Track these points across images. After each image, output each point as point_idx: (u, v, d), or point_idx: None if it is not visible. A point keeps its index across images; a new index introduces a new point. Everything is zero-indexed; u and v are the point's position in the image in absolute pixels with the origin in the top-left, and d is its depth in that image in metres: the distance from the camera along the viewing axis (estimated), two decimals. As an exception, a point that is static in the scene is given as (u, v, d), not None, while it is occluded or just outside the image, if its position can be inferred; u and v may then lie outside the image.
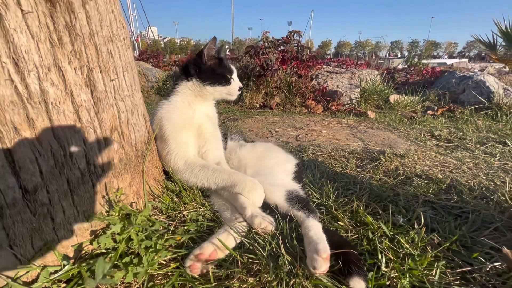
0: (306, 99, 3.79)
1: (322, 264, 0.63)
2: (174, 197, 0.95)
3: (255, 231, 0.80)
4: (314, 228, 0.75)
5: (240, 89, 1.19)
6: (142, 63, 5.30)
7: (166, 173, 1.04)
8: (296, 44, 4.28)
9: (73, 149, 0.60)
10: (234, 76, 1.15)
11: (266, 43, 4.13)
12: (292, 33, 4.33)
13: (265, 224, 0.78)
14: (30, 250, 0.57)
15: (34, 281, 0.57)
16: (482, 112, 3.31)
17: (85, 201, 0.65)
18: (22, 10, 0.50)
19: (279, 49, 4.18)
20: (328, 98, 3.76)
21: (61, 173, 0.59)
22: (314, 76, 4.16)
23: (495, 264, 0.75)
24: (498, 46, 7.92)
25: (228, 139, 1.24)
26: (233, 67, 1.15)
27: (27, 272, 0.57)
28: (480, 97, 3.50)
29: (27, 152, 0.53)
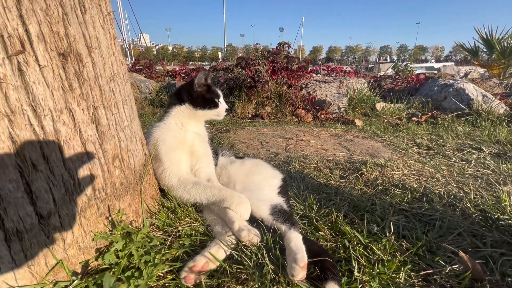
0: (296, 108, 3.92)
1: (299, 272, 0.73)
2: (169, 214, 1.03)
3: (243, 243, 0.90)
4: (295, 239, 0.85)
5: (226, 110, 1.31)
6: (136, 75, 5.38)
7: (161, 190, 1.13)
8: (285, 55, 4.43)
9: (81, 178, 0.69)
10: (221, 99, 1.27)
11: (256, 55, 4.27)
12: (282, 45, 4.49)
13: (251, 236, 0.88)
14: (44, 268, 0.65)
15: (48, 295, 0.65)
16: (463, 118, 3.48)
17: (91, 223, 0.73)
18: (39, 65, 0.59)
19: (269, 59, 4.33)
20: (317, 107, 3.90)
21: (71, 200, 0.68)
22: (303, 86, 4.30)
23: (454, 266, 0.85)
24: (480, 52, 8.29)
25: (219, 155, 1.33)
26: (219, 92, 1.27)
27: (42, 287, 0.65)
28: (460, 104, 3.68)
29: (43, 183, 0.62)
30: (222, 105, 1.28)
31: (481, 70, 9.13)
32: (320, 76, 5.24)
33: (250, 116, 3.86)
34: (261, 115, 3.82)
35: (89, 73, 0.69)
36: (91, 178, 0.72)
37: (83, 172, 0.70)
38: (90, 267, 0.74)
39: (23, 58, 0.57)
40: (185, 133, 1.19)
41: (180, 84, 4.72)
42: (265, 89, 3.78)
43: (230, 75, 4.38)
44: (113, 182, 0.79)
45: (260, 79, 3.75)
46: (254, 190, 1.08)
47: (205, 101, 1.19)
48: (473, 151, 2.18)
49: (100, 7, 0.74)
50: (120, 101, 0.81)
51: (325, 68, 6.94)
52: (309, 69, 5.09)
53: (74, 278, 0.69)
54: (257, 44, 4.42)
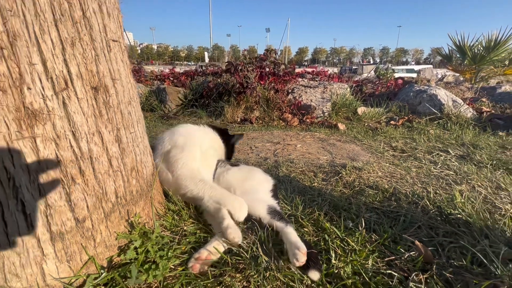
0: (283, 113, 4.12)
1: (302, 257, 0.90)
2: (175, 216, 1.19)
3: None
4: (293, 233, 1.03)
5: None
6: (124, 78, 5.40)
7: (165, 195, 1.27)
8: (272, 61, 4.63)
9: (108, 187, 0.83)
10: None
11: (245, 61, 4.44)
12: (269, 51, 4.68)
13: (234, 235, 1.01)
14: (79, 263, 0.79)
15: (82, 285, 0.79)
16: (435, 122, 3.79)
17: (114, 225, 0.88)
18: (78, 98, 0.73)
19: (257, 65, 4.51)
20: (303, 112, 4.12)
21: (100, 206, 0.82)
22: (290, 91, 4.51)
23: (411, 253, 1.06)
24: (454, 58, 8.86)
25: (217, 167, 1.49)
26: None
27: (77, 279, 0.79)
28: (433, 109, 4.01)
29: (79, 194, 0.76)
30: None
31: (456, 74, 9.74)
32: (306, 80, 5.48)
33: (239, 120, 4.02)
34: (250, 119, 3.99)
35: (113, 101, 0.83)
36: (115, 188, 0.86)
37: (109, 182, 0.84)
38: (113, 262, 0.89)
39: (66, 94, 0.71)
40: (209, 142, 1.43)
41: (170, 89, 4.81)
42: (253, 94, 3.95)
43: (219, 80, 4.53)
44: (131, 190, 0.93)
45: (249, 85, 3.93)
46: (251, 193, 1.24)
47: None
48: (441, 153, 2.45)
49: (120, 44, 0.89)
50: (135, 121, 0.96)
51: (310, 72, 7.20)
52: (295, 73, 5.31)
53: (102, 271, 0.83)
54: (245, 50, 4.60)
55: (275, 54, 4.66)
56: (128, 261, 0.90)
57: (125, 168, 0.90)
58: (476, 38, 7.61)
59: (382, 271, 0.99)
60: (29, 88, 0.64)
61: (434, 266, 0.98)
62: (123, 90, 0.89)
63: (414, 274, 0.95)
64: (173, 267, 0.95)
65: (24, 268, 0.69)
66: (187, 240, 1.05)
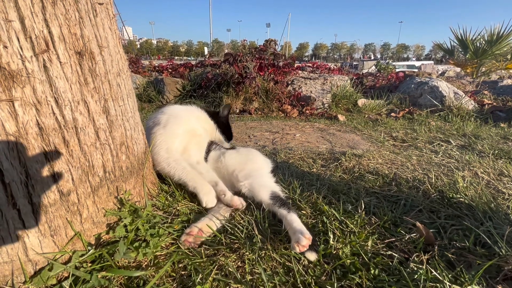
0: (282, 104, 4.07)
1: (304, 240, 0.86)
2: (168, 197, 1.15)
3: (237, 219, 1.03)
4: (296, 220, 0.98)
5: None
6: (122, 69, 5.33)
7: (160, 177, 1.23)
8: (272, 52, 4.56)
9: (95, 161, 0.79)
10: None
11: (244, 51, 4.37)
12: (269, 42, 4.61)
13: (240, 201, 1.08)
14: (65, 239, 0.75)
15: (68, 261, 0.76)
16: (436, 114, 3.75)
17: (102, 201, 0.84)
18: (60, 62, 0.69)
19: (257, 56, 4.44)
20: (302, 103, 4.07)
21: (86, 180, 0.78)
22: (289, 82, 4.46)
23: (412, 235, 1.02)
24: (455, 52, 8.76)
25: (210, 149, 1.44)
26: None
27: (62, 255, 0.75)
28: (434, 101, 3.96)
29: (63, 165, 0.72)
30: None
31: (457, 69, 9.67)
32: (306, 73, 5.42)
33: (238, 111, 3.97)
34: (248, 110, 3.94)
35: (100, 69, 0.79)
36: (103, 162, 0.82)
37: (96, 155, 0.80)
38: (102, 239, 0.85)
39: (47, 56, 0.66)
40: (196, 121, 1.37)
41: (167, 79, 4.75)
42: (252, 85, 3.90)
43: (218, 70, 4.47)
44: (120, 166, 0.89)
45: (248, 75, 3.87)
46: (256, 177, 1.20)
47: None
48: (442, 143, 2.41)
49: (108, 10, 0.84)
50: (125, 94, 0.91)
51: (310, 65, 7.13)
52: (295, 66, 5.25)
53: (89, 248, 0.80)
54: (244, 40, 4.52)
55: (275, 45, 4.59)
56: (118, 239, 0.86)
57: (113, 142, 0.86)
58: (478, 32, 7.53)
59: (382, 252, 0.95)
60: (5, 47, 0.60)
61: (436, 248, 0.95)
62: (111, 59, 0.84)
63: (415, 255, 0.92)
64: (164, 245, 0.91)
65: (4, 240, 0.65)
66: (180, 219, 1.01)
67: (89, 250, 0.79)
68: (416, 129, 2.92)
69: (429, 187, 1.38)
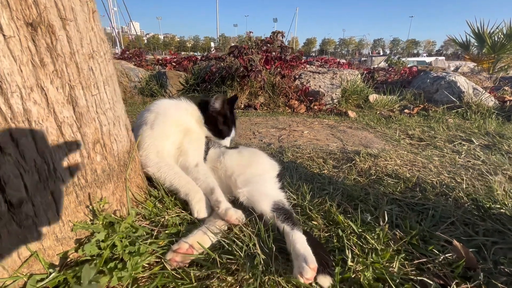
0: (289, 99, 3.87)
1: (309, 273, 0.69)
2: (157, 203, 0.99)
3: (235, 233, 0.86)
4: (300, 240, 0.80)
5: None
6: (124, 63, 5.20)
7: (149, 179, 1.07)
8: (279, 44, 4.35)
9: (57, 163, 0.63)
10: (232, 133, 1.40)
11: (249, 43, 4.17)
12: (276, 34, 4.39)
13: (237, 215, 0.91)
14: (17, 260, 0.60)
15: (22, 288, 0.61)
16: (453, 111, 3.51)
17: (69, 212, 0.68)
18: (4, 36, 0.53)
19: (263, 49, 4.24)
20: (310, 98, 3.86)
21: (46, 187, 0.62)
22: (297, 76, 4.25)
23: (447, 255, 0.84)
24: (471, 46, 8.34)
25: (209, 148, 1.28)
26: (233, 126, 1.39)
27: (14, 281, 0.60)
28: (451, 97, 3.71)
29: (12, 168, 0.56)
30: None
31: (471, 65, 9.25)
32: (314, 67, 5.19)
33: (242, 106, 3.79)
34: (254, 105, 3.76)
35: (63, 48, 0.62)
36: (69, 164, 0.66)
37: (59, 157, 0.64)
38: (69, 259, 0.70)
39: (-16, 26, 0.50)
40: (189, 118, 1.22)
41: (170, 73, 4.59)
42: (258, 78, 3.71)
43: (222, 64, 4.29)
44: (94, 168, 0.73)
45: (253, 68, 3.68)
46: (257, 184, 1.03)
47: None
48: (463, 142, 2.20)
49: (75, -26, 0.67)
50: (101, 81, 0.75)
51: (318, 59, 6.88)
52: (302, 60, 5.03)
53: (51, 270, 0.64)
54: (250, 32, 4.32)
55: (282, 37, 4.37)
56: (89, 258, 0.70)
57: (84, 139, 0.70)
58: (496, 25, 7.14)
59: (412, 276, 0.78)
60: None
61: (480, 273, 0.77)
62: (80, 37, 0.67)
63: (454, 283, 0.74)
64: (147, 265, 0.76)
65: None
66: (167, 232, 0.85)
67: (50, 273, 0.64)
68: (434, 127, 2.71)
69: (461, 194, 1.19)
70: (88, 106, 0.70)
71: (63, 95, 0.63)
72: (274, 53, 4.21)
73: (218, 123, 1.29)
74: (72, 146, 0.66)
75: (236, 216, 0.90)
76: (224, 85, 3.96)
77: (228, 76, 3.99)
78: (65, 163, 0.65)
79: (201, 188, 1.00)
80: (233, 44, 4.79)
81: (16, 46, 0.54)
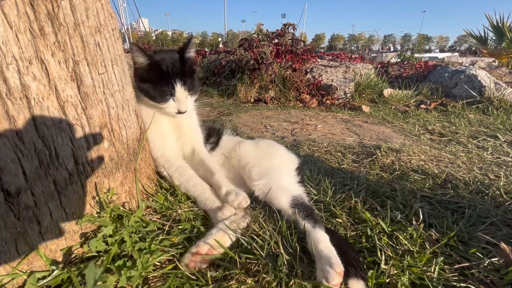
0: (300, 93, 3.76)
1: (335, 277, 0.61)
2: (168, 196, 0.92)
3: (254, 230, 0.78)
4: (323, 240, 0.72)
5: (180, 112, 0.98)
6: (133, 56, 5.15)
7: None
8: (290, 37, 4.22)
9: (59, 148, 0.56)
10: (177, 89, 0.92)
11: (260, 36, 4.06)
12: (287, 26, 4.27)
13: (239, 200, 0.84)
14: (15, 255, 0.54)
15: (22, 286, 0.54)
16: (473, 106, 3.34)
17: (73, 203, 0.61)
18: (-3, -3, 0.45)
19: (273, 42, 4.12)
20: (322, 92, 3.74)
21: (47, 174, 0.55)
22: (308, 70, 4.12)
23: (493, 259, 0.75)
24: (489, 41, 8.00)
25: (222, 134, 1.20)
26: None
27: (12, 279, 0.53)
28: (472, 91, 3.54)
29: (8, 152, 0.49)
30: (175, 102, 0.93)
31: (488, 60, 8.90)
32: (325, 61, 5.05)
33: (252, 100, 3.70)
34: (264, 99, 3.66)
35: (66, 17, 0.55)
36: (72, 149, 0.59)
37: (62, 141, 0.57)
38: (74, 255, 0.63)
39: (-26, -16, 0.43)
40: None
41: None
42: (269, 72, 3.60)
43: (232, 57, 4.20)
44: (100, 155, 0.66)
45: (264, 61, 3.58)
46: (273, 177, 0.94)
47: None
48: (488, 138, 2.07)
49: None
50: (108, 59, 0.67)
51: (329, 54, 6.71)
52: (314, 52, 4.89)
53: (53, 267, 0.58)
54: (261, 24, 4.20)
55: (294, 30, 4.24)
56: (96, 254, 0.64)
57: (89, 122, 0.62)
58: (517, 19, 6.80)
59: (454, 283, 0.69)
60: None
61: (535, 281, 0.67)
62: (86, 7, 0.60)
63: (505, 291, 0.64)
64: (159, 263, 0.69)
65: None
66: (180, 227, 0.77)
67: (53, 271, 0.57)
68: (454, 122, 2.57)
69: (499, 192, 1.08)
70: (95, 86, 0.63)
71: (66, 71, 0.56)
72: (285, 46, 4.09)
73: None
74: (76, 129, 0.59)
75: (238, 201, 0.85)
76: (234, 79, 3.88)
77: (238, 69, 3.90)
78: (69, 148, 0.58)
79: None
80: (241, 38, 4.67)
81: (11, 10, 0.47)
